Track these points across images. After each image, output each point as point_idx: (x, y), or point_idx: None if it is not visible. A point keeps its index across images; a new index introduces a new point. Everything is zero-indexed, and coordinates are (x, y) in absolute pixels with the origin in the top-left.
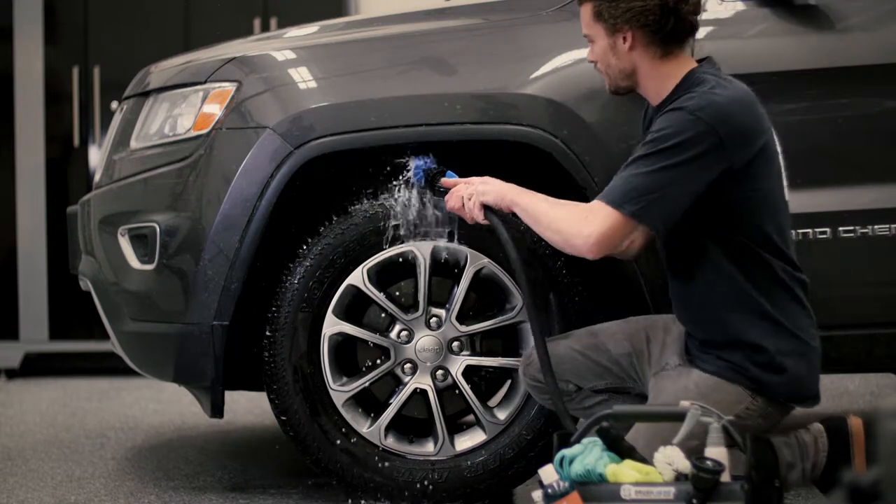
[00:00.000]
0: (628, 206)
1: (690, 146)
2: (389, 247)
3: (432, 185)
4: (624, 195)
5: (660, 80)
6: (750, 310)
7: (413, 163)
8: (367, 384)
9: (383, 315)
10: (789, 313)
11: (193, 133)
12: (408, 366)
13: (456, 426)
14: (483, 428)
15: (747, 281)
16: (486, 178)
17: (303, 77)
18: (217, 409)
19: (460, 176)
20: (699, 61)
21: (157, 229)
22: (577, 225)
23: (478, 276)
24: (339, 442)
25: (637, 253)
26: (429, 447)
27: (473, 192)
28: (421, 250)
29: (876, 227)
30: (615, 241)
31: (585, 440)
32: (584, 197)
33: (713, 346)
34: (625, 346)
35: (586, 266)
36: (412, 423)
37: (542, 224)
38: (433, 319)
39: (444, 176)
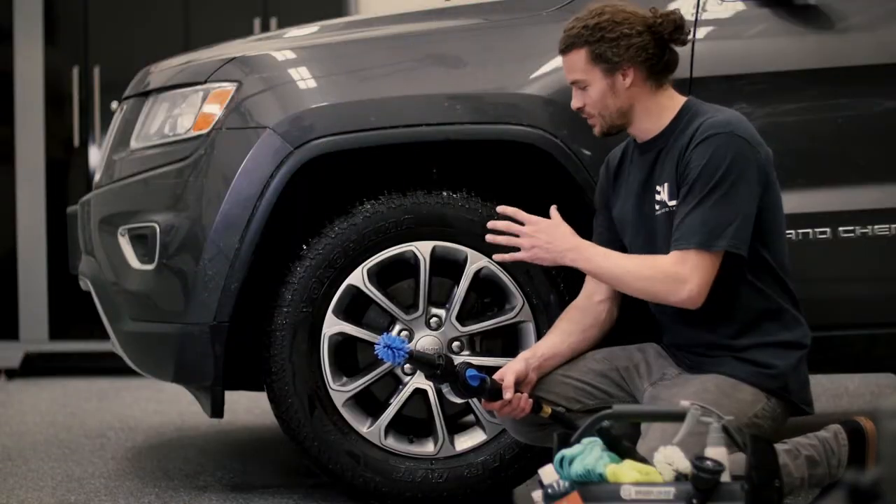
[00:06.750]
0: (720, 242)
1: (743, 163)
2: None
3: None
4: (710, 234)
5: (657, 113)
6: (766, 311)
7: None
8: (367, 384)
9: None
10: (793, 319)
11: (193, 133)
12: (408, 366)
13: (456, 426)
14: (483, 428)
15: (761, 294)
16: (549, 226)
17: (303, 77)
18: (217, 409)
19: None
20: None
21: (157, 229)
22: (672, 283)
23: (478, 276)
24: (338, 442)
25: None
26: (429, 447)
27: (537, 251)
28: (421, 250)
29: (876, 227)
30: (711, 281)
31: (585, 440)
32: (582, 196)
33: (728, 349)
34: (608, 363)
35: None
36: (412, 423)
37: (624, 283)
38: (433, 319)
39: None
